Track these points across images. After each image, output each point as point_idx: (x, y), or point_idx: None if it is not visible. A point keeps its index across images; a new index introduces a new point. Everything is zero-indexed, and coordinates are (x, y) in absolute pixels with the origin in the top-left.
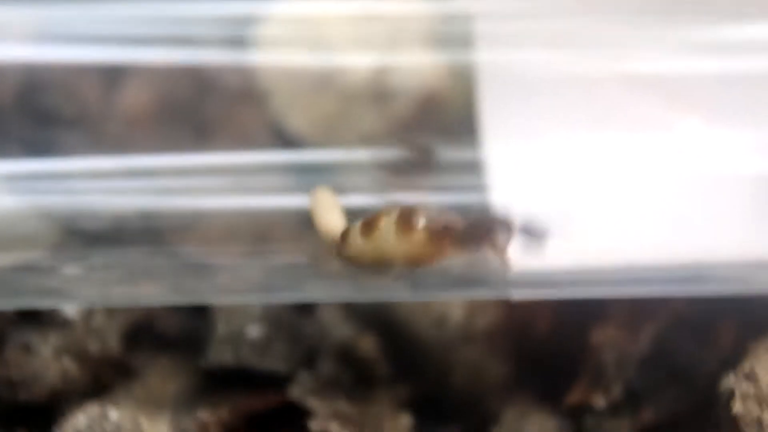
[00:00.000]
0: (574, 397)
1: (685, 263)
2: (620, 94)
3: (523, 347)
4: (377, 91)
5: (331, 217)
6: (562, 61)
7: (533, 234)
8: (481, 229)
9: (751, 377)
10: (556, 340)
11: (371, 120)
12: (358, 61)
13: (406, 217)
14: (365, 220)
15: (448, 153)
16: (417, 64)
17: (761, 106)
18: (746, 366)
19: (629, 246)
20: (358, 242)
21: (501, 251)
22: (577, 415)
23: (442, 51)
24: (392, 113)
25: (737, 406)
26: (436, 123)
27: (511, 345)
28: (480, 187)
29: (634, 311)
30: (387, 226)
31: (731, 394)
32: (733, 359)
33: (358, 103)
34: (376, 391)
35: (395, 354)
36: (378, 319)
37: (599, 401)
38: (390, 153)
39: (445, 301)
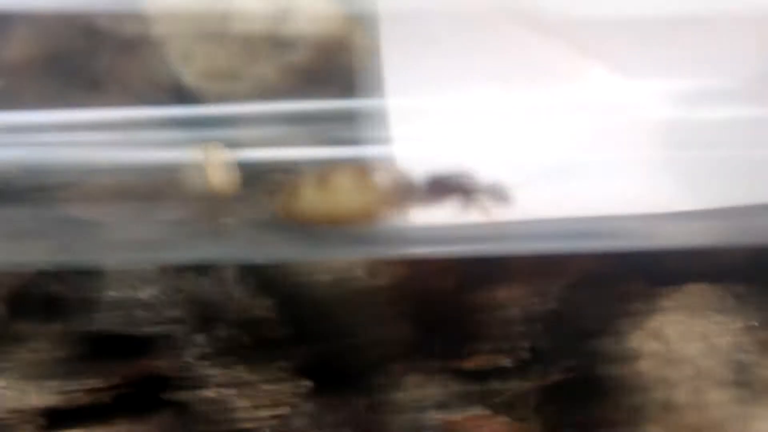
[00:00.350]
0: (478, 358)
1: (591, 216)
2: (526, 43)
3: (427, 307)
4: (275, 39)
5: (221, 174)
6: (466, 7)
7: (497, 194)
8: (444, 184)
9: (659, 335)
10: (462, 299)
11: (269, 70)
12: (255, 7)
13: (364, 172)
14: (318, 175)
15: (348, 103)
16: (316, 11)
17: (667, 54)
18: (654, 324)
19: (534, 200)
20: (311, 198)
21: (465, 205)
22: (482, 376)
23: None
24: (291, 62)
25: (643, 365)
26: (336, 72)
27: (415, 305)
28: (380, 138)
29: (541, 269)
30: (344, 181)
31: (638, 353)
32: (642, 317)
33: (256, 52)
34: (274, 355)
35: (294, 316)
36: (277, 280)
37: (504, 362)
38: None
39: (345, 260)
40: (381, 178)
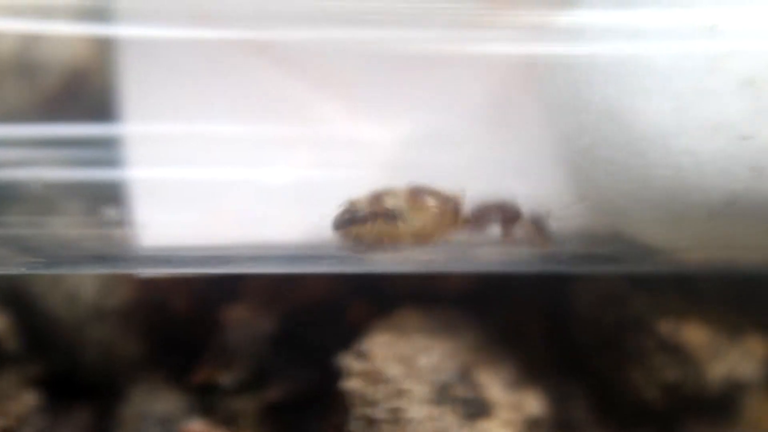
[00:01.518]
0: (199, 375)
1: (322, 242)
2: (266, 75)
3: (157, 325)
4: (23, 64)
5: None
6: (209, 36)
7: (538, 221)
8: (489, 211)
9: (365, 355)
10: (193, 318)
11: (17, 93)
12: (3, 29)
13: (417, 196)
14: (370, 199)
15: (91, 128)
16: (64, 37)
17: (399, 93)
18: (362, 344)
19: (267, 225)
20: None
21: (507, 233)
22: (204, 392)
23: (89, 24)
24: (39, 87)
25: (349, 383)
26: (82, 97)
27: (145, 323)
28: (118, 162)
29: (270, 290)
30: (397, 205)
31: (348, 372)
32: (356, 338)
33: (3, 75)
34: (3, 369)
35: (27, 330)
36: (11, 294)
37: (224, 379)
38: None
39: (77, 277)
40: (431, 202)
